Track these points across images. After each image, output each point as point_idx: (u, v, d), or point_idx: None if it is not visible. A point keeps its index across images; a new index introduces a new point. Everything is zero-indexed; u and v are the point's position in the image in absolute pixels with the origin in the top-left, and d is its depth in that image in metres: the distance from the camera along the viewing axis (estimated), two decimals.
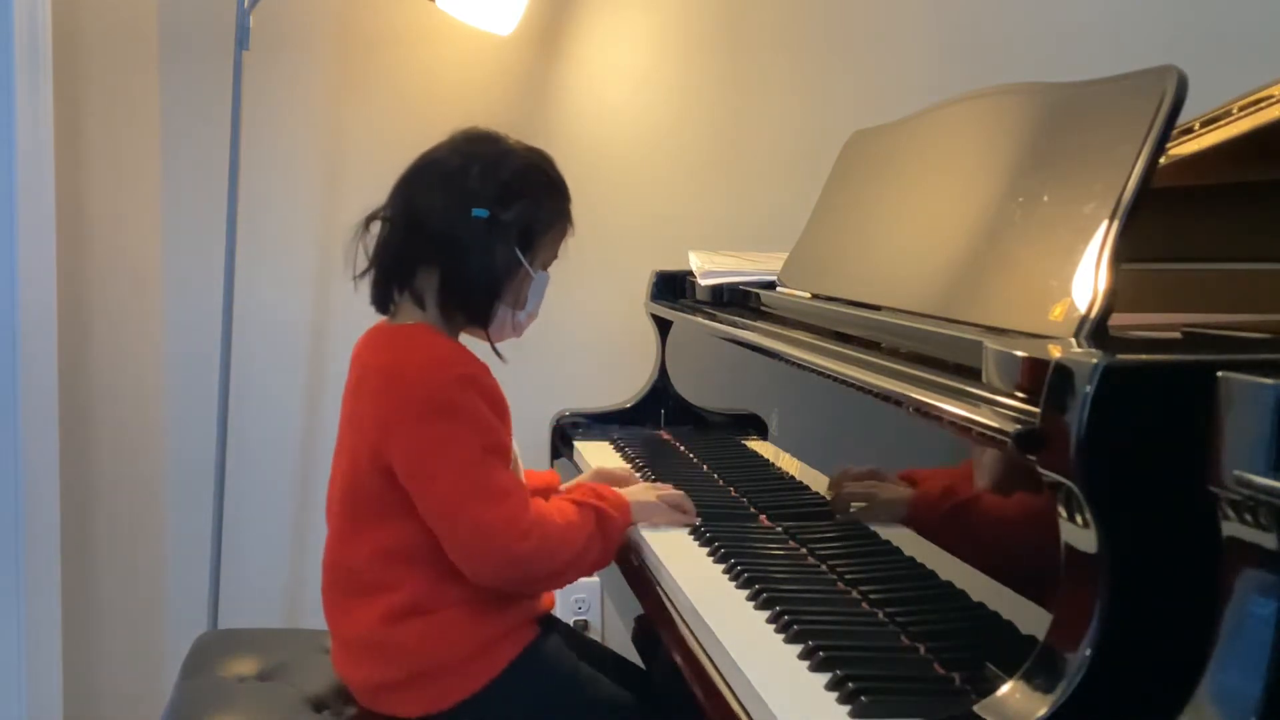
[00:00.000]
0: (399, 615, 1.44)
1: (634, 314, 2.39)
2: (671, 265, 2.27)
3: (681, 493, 1.63)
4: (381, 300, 1.52)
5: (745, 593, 1.31)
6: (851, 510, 1.38)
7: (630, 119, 2.56)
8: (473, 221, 1.45)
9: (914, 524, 1.22)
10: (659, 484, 1.68)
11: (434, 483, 1.40)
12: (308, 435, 2.52)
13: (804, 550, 1.45)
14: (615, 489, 1.57)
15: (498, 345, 1.53)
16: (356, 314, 1.57)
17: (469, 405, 1.41)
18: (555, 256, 1.55)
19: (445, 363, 1.44)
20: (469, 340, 1.52)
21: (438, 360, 1.44)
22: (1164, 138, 1.12)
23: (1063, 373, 0.91)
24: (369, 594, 1.46)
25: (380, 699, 1.47)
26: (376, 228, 1.50)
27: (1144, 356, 0.93)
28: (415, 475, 1.41)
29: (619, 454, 2.05)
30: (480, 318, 1.49)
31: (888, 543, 1.27)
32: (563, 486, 1.72)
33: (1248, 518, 0.81)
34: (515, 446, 1.53)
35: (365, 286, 1.52)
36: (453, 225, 1.45)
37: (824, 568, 1.39)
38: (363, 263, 1.50)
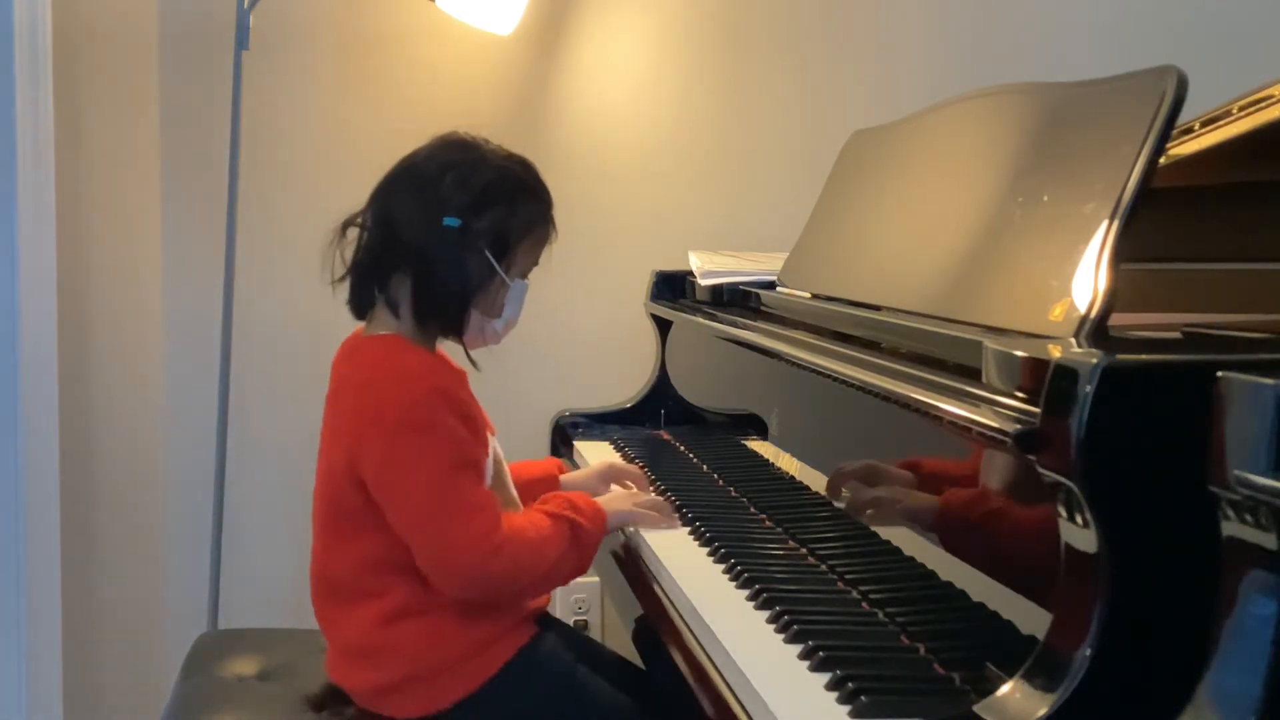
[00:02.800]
0: (392, 618, 1.44)
1: (634, 314, 2.39)
2: (671, 265, 2.27)
3: (659, 499, 1.63)
4: (358, 306, 1.51)
5: (745, 593, 1.32)
6: (851, 511, 1.38)
7: (630, 119, 2.56)
8: (444, 230, 1.44)
9: (914, 524, 1.22)
10: (637, 493, 1.68)
11: (404, 498, 1.40)
12: (308, 435, 2.49)
13: (804, 550, 1.45)
14: (592, 498, 1.56)
15: (473, 353, 1.53)
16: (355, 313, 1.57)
17: (440, 420, 1.41)
18: (535, 263, 1.54)
19: (416, 376, 1.43)
20: (447, 347, 1.52)
21: (409, 374, 1.44)
22: (1164, 138, 1.12)
23: (1063, 373, 0.91)
24: (359, 601, 1.46)
25: (378, 701, 1.47)
26: (353, 233, 1.49)
27: (1144, 356, 0.93)
28: (386, 489, 1.41)
29: (619, 454, 2.05)
30: (453, 326, 1.49)
31: (888, 543, 1.27)
32: (553, 488, 1.72)
33: (1248, 518, 0.81)
34: (498, 449, 1.53)
35: (343, 291, 1.51)
36: (425, 234, 1.44)
37: (824, 568, 1.39)
38: (339, 268, 1.49)
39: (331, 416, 1.50)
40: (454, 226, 1.44)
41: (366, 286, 1.49)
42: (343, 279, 1.50)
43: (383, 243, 1.47)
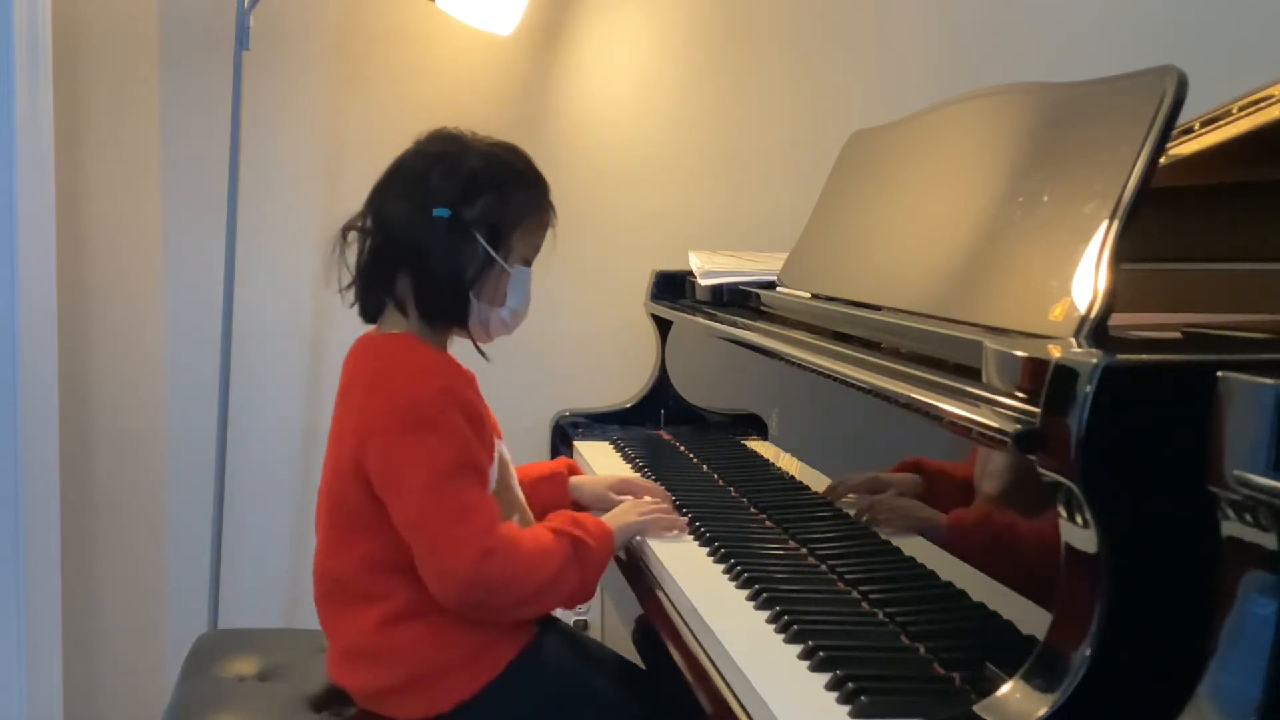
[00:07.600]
0: (393, 621, 1.44)
1: (634, 314, 2.39)
2: (671, 265, 2.27)
3: (665, 505, 1.61)
4: (368, 311, 1.52)
5: (745, 593, 1.31)
6: (851, 511, 1.39)
7: (630, 118, 2.56)
8: (435, 222, 1.44)
9: (914, 524, 1.22)
10: (644, 497, 1.64)
11: (404, 494, 1.40)
12: (307, 436, 2.52)
13: (804, 550, 1.45)
14: (597, 516, 1.54)
15: (487, 345, 1.53)
16: (356, 314, 1.57)
17: (446, 419, 1.41)
18: (537, 250, 1.53)
19: (428, 374, 1.43)
20: (458, 345, 1.51)
21: (420, 371, 1.44)
22: (1164, 138, 1.12)
23: (1063, 373, 0.91)
24: (361, 603, 1.46)
25: (379, 702, 1.47)
26: (354, 238, 1.50)
27: (1144, 356, 0.93)
28: (387, 485, 1.41)
29: (619, 454, 2.05)
30: (456, 318, 1.49)
31: (887, 543, 1.27)
32: (562, 485, 1.73)
33: (1248, 518, 0.81)
34: (505, 453, 1.52)
35: (348, 293, 1.51)
36: (417, 228, 1.45)
37: (824, 568, 1.39)
38: (345, 275, 1.50)
39: (340, 414, 1.50)
40: (444, 217, 1.44)
41: (373, 290, 1.50)
42: (350, 285, 1.50)
43: (382, 244, 1.47)
